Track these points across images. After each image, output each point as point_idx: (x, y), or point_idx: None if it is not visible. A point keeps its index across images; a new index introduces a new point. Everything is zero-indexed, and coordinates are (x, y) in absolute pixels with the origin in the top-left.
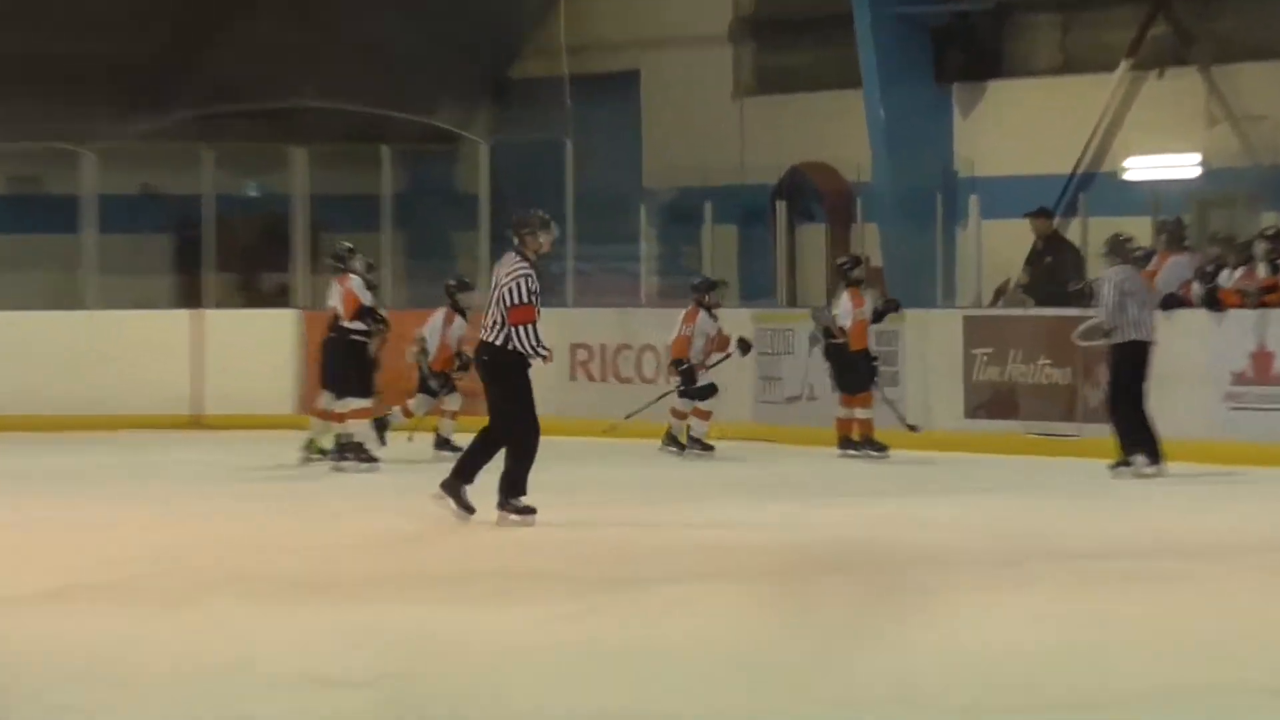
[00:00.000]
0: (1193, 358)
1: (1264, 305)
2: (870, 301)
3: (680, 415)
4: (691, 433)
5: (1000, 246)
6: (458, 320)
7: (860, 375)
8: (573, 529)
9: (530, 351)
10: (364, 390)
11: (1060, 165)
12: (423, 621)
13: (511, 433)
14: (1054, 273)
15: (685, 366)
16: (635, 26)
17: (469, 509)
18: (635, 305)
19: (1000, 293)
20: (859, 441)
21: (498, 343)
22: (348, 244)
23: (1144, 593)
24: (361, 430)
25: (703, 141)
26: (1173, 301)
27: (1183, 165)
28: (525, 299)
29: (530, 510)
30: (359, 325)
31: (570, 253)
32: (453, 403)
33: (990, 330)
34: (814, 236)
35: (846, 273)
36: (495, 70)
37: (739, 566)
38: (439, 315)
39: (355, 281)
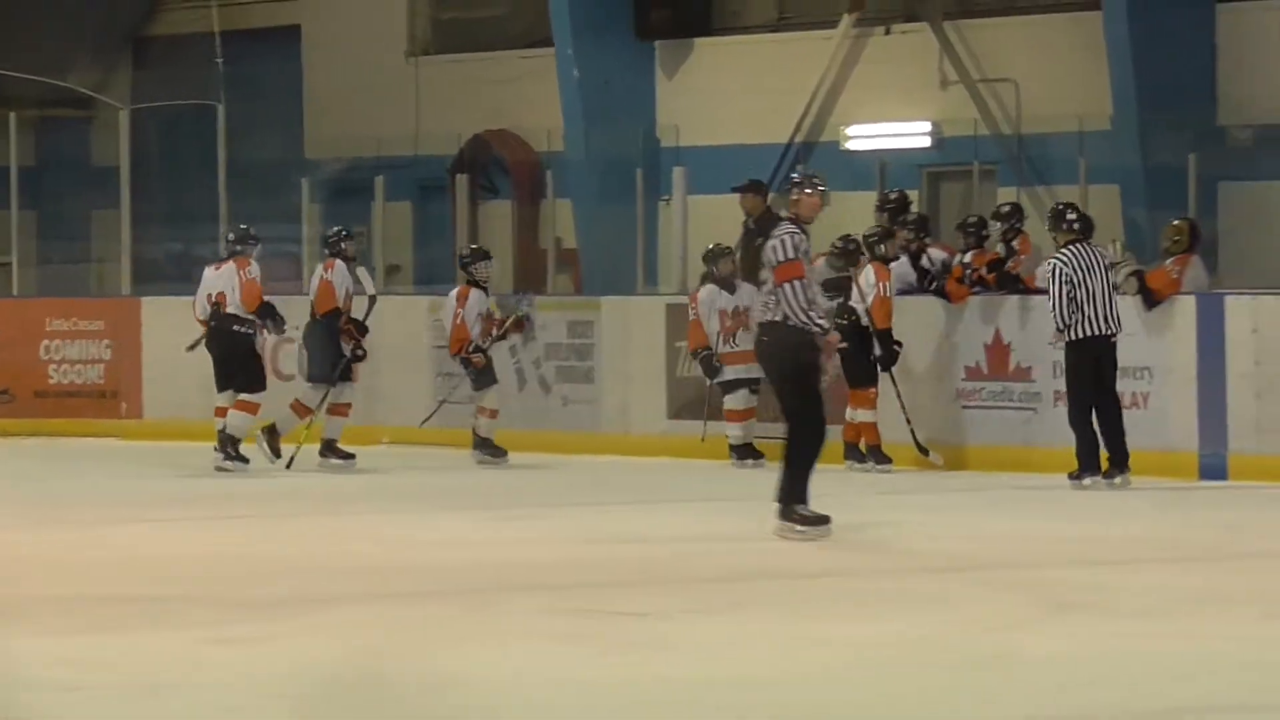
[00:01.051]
0: (921, 351)
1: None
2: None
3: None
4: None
5: (709, 225)
6: (474, 295)
7: (869, 366)
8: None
9: (802, 318)
10: (252, 384)
11: (776, 134)
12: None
13: (792, 429)
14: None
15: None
16: None
17: (821, 519)
18: (297, 293)
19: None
20: (865, 451)
21: (777, 319)
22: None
23: (861, 611)
24: (237, 425)
25: (373, 107)
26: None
27: (912, 133)
28: (792, 254)
29: (824, 519)
30: (245, 318)
31: (222, 232)
32: (490, 399)
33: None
34: (499, 214)
35: (873, 246)
36: (135, 25)
37: (390, 586)
38: (451, 296)
39: (256, 269)
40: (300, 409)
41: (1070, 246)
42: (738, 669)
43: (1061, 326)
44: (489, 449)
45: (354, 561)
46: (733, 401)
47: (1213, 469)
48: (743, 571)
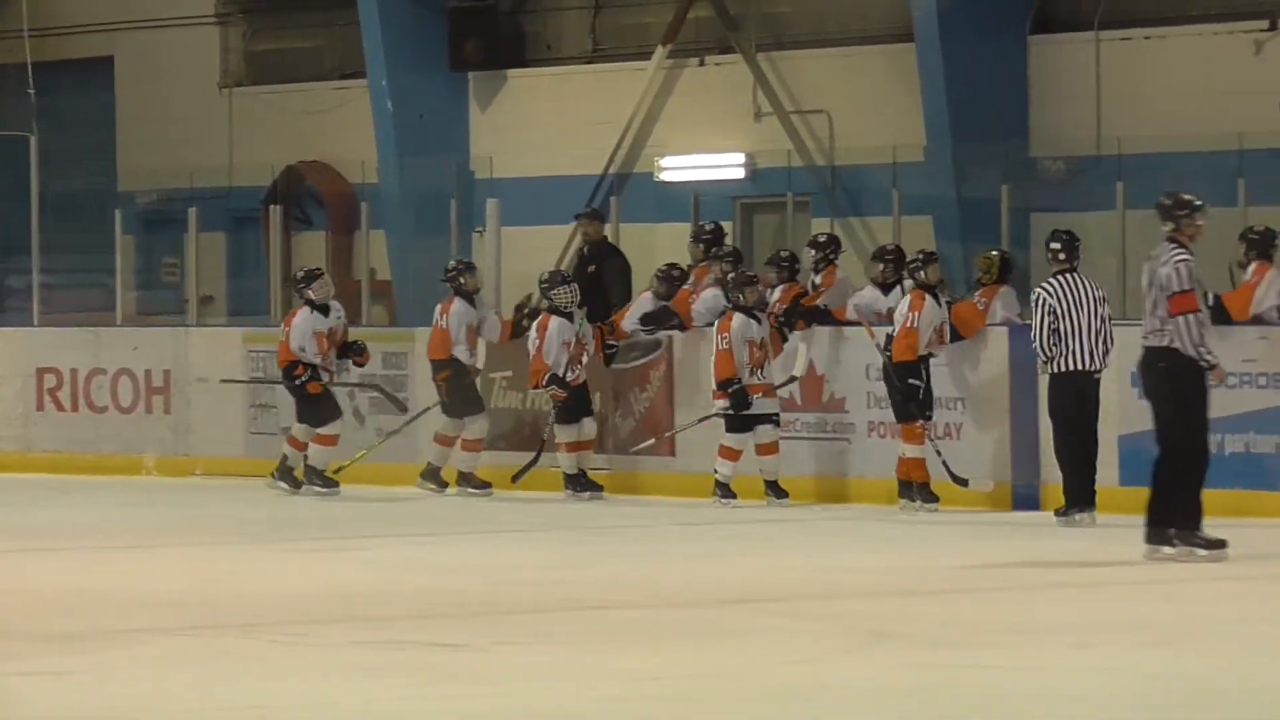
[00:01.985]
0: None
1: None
2: (936, 308)
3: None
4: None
5: (522, 257)
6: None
7: (904, 399)
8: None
9: (1192, 351)
10: (322, 419)
11: (590, 165)
12: None
13: (1179, 451)
14: (600, 283)
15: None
16: (108, 6)
17: (1220, 543)
18: (110, 324)
19: (521, 309)
20: (915, 489)
21: (1161, 345)
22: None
23: (668, 643)
24: (316, 457)
25: (186, 138)
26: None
27: (726, 165)
28: (1188, 285)
29: (1222, 544)
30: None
31: (35, 264)
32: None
33: (511, 352)
34: (313, 245)
35: (914, 272)
36: None
37: (205, 619)
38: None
39: (299, 320)
40: (443, 440)
41: (1058, 276)
42: (548, 701)
43: (1044, 358)
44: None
45: (170, 595)
46: (762, 436)
47: (1026, 499)
48: (556, 603)
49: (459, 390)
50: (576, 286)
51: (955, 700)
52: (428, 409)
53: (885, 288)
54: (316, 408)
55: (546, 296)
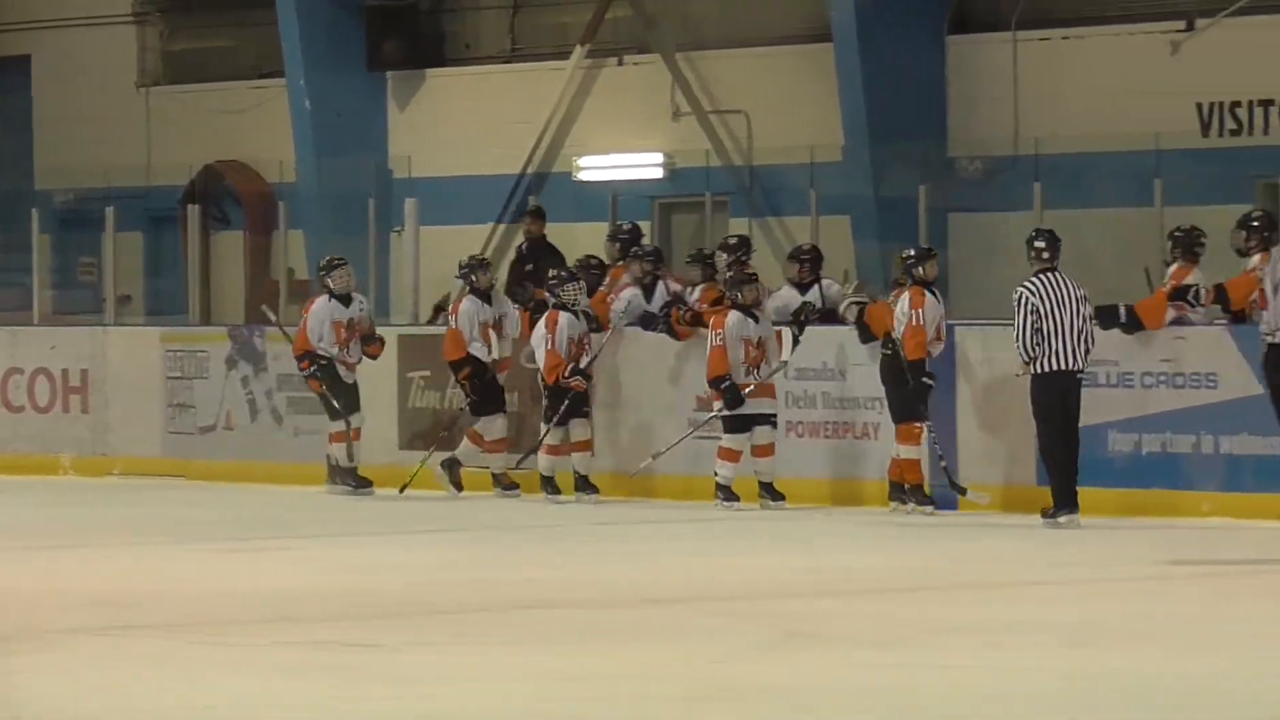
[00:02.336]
0: (652, 382)
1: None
2: (936, 304)
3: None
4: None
5: (441, 256)
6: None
7: (908, 397)
8: None
9: None
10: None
11: (508, 165)
12: None
13: None
14: (536, 280)
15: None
16: (25, 5)
17: None
18: (27, 324)
19: (440, 308)
20: (908, 490)
21: None
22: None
23: (588, 643)
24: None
25: (104, 138)
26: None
27: (644, 164)
28: None
29: None
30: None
31: None
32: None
33: (429, 351)
34: (231, 245)
35: (911, 269)
36: None
37: (122, 619)
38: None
39: (316, 308)
40: (475, 437)
41: (1041, 275)
42: (468, 702)
43: (1026, 359)
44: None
45: (88, 595)
46: (760, 437)
47: (944, 499)
48: (476, 604)
49: (481, 388)
50: (584, 283)
51: (871, 700)
52: (461, 409)
53: (802, 288)
54: (328, 404)
55: (554, 293)
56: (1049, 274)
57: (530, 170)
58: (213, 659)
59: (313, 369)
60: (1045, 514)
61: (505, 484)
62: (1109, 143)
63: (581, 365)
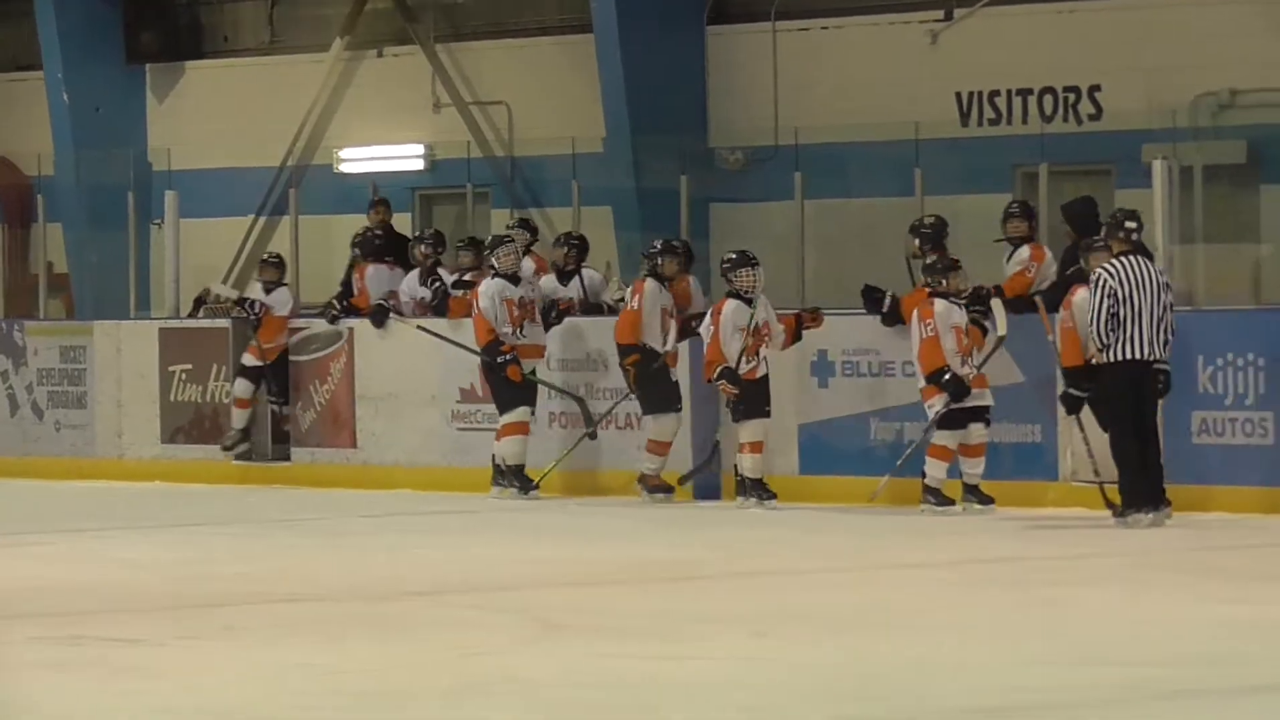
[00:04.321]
0: (417, 374)
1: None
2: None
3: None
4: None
5: (201, 249)
6: (730, 305)
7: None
8: None
9: None
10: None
11: (269, 157)
12: None
13: None
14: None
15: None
16: None
17: None
18: None
19: (201, 301)
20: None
21: None
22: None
23: (350, 637)
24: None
25: None
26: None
27: (405, 155)
28: None
29: None
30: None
31: None
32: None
33: (190, 344)
34: None
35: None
36: None
37: None
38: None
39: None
40: (656, 447)
41: (1122, 258)
42: (228, 696)
43: (1100, 345)
44: (760, 490)
45: None
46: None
47: (707, 489)
48: (236, 596)
49: (646, 380)
50: (760, 269)
51: (634, 692)
52: (619, 400)
53: (565, 275)
54: (507, 393)
55: (726, 279)
56: (1130, 256)
57: (291, 162)
58: None
59: (511, 355)
60: (1115, 513)
61: (653, 486)
62: (869, 132)
63: (748, 362)
